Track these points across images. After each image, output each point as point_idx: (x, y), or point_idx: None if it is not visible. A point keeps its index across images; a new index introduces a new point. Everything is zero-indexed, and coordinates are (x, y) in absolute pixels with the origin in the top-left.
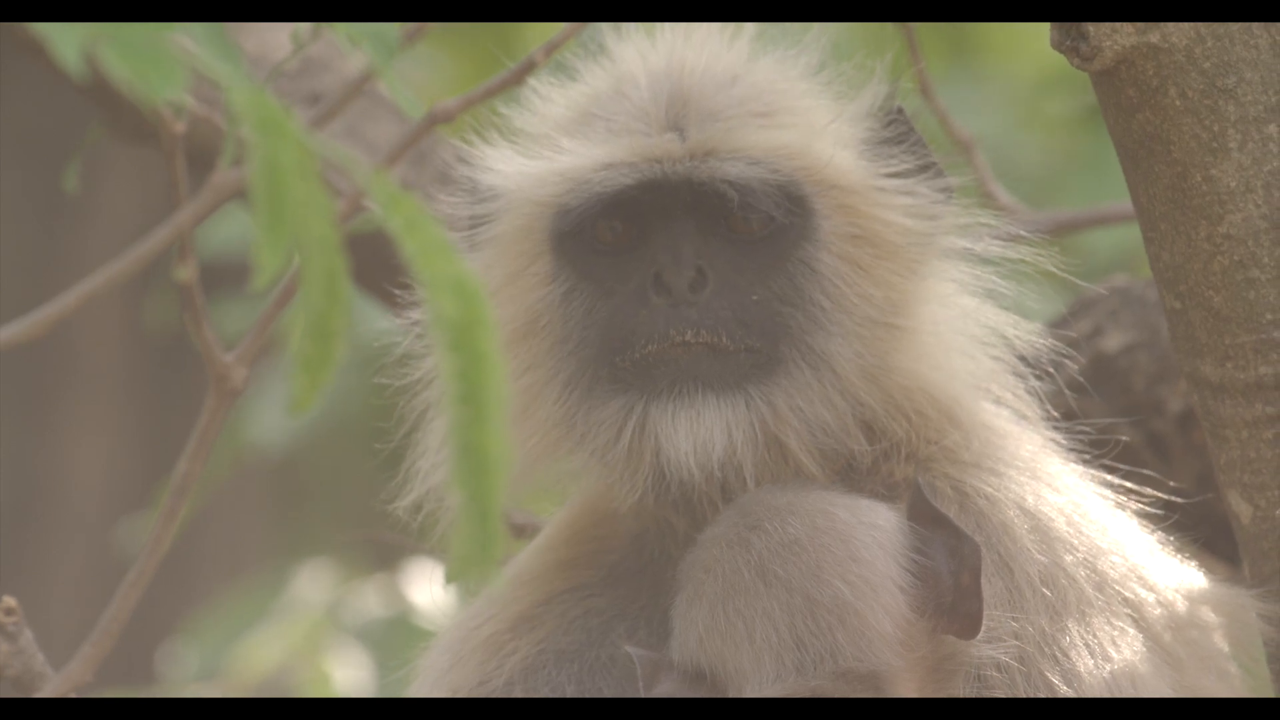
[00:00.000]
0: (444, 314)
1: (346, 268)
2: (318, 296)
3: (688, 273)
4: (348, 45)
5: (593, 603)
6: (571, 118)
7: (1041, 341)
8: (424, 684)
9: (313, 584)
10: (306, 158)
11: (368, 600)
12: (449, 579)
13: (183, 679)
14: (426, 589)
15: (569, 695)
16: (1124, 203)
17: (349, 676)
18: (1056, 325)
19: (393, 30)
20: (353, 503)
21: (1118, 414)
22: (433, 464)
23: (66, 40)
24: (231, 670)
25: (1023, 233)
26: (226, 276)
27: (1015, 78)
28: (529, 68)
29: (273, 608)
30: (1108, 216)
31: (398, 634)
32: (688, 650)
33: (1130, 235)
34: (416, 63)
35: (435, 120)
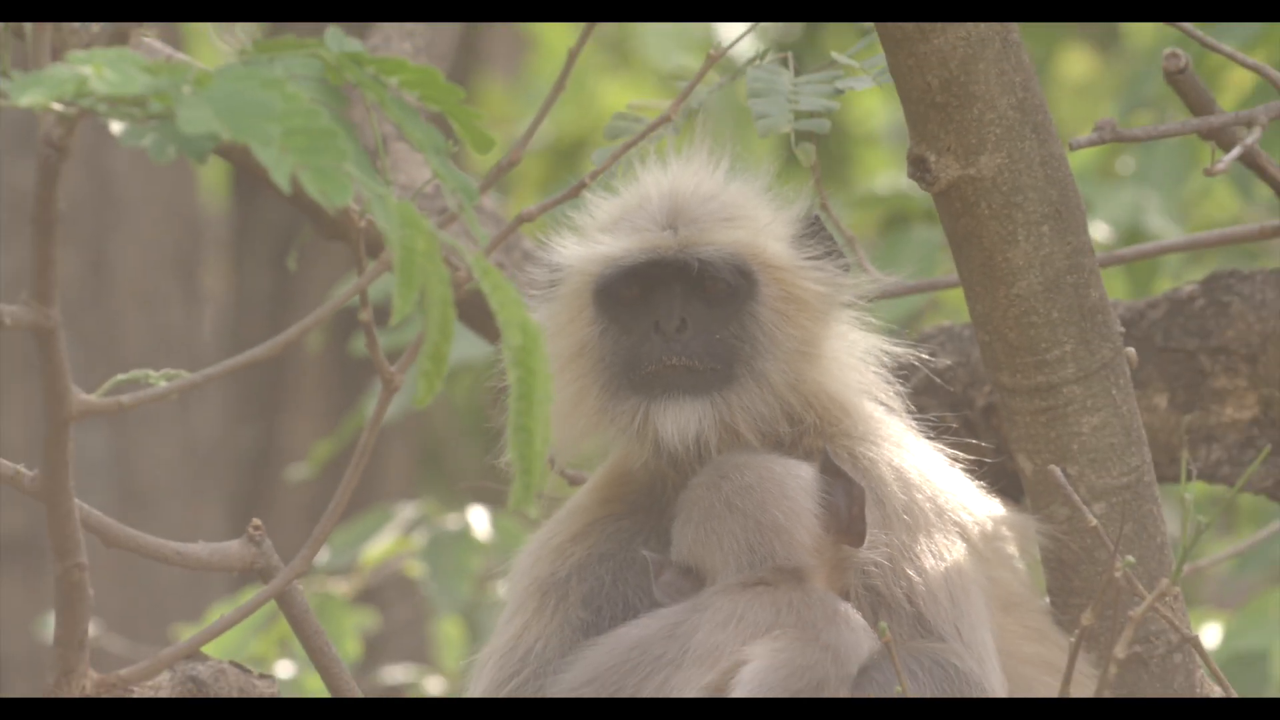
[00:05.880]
0: (512, 343)
1: (454, 317)
2: (435, 333)
3: (675, 321)
4: (448, 196)
5: (621, 524)
6: (608, 220)
7: (904, 357)
8: (516, 574)
9: (412, 511)
10: (433, 246)
11: (447, 522)
12: (510, 508)
13: (322, 569)
14: (484, 518)
15: (608, 584)
16: (942, 276)
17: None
18: (906, 352)
19: (472, 183)
20: (468, 460)
21: (946, 408)
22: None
23: (280, 170)
24: (357, 564)
25: (893, 293)
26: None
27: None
28: (582, 187)
29: (392, 523)
30: (936, 284)
31: (461, 543)
32: (681, 554)
33: (915, 299)
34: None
35: (520, 221)
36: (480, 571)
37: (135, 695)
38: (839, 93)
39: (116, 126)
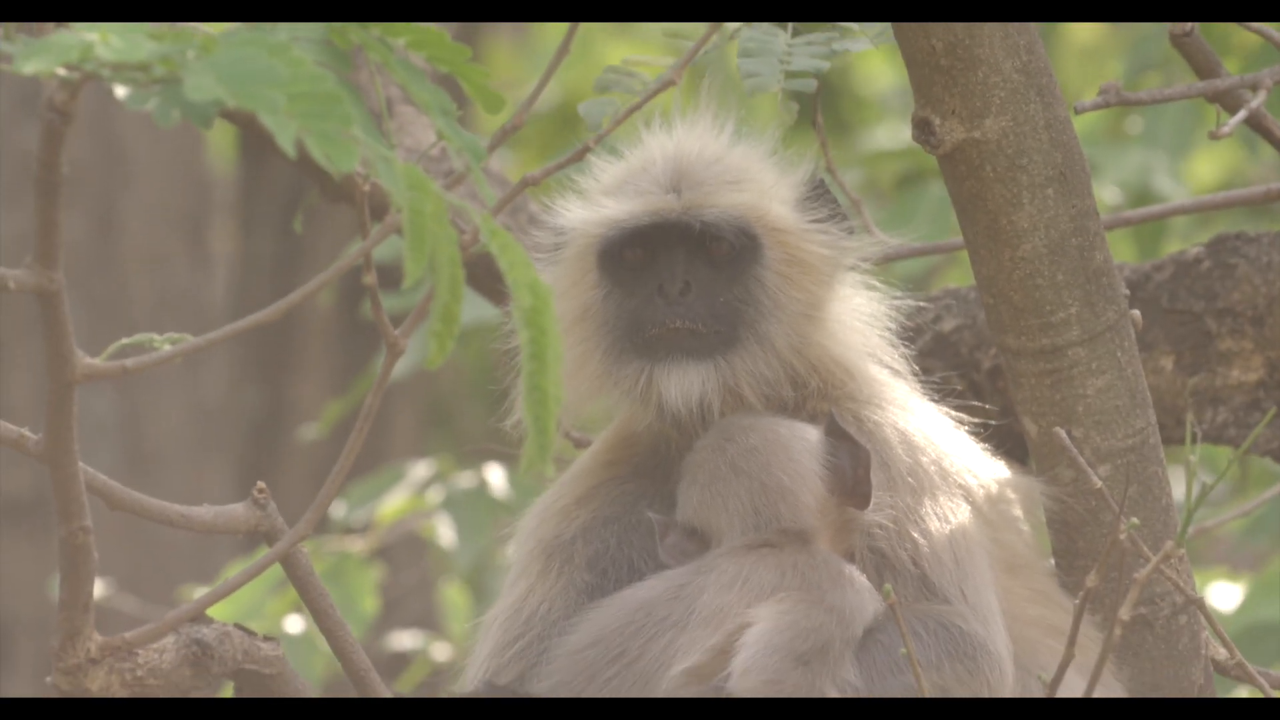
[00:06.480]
0: (523, 304)
1: (463, 277)
2: (444, 294)
3: (679, 284)
4: (455, 157)
5: (626, 487)
6: (612, 183)
7: (908, 321)
8: (521, 536)
9: (426, 469)
10: (440, 208)
11: (462, 480)
12: (523, 470)
13: (339, 524)
14: (500, 475)
15: (613, 546)
16: (949, 240)
17: (446, 533)
18: (912, 315)
19: (480, 143)
20: (473, 422)
21: (951, 370)
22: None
23: (285, 135)
24: (374, 519)
25: (897, 256)
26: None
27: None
28: (586, 150)
29: (405, 481)
30: (942, 248)
31: (478, 500)
32: (687, 516)
33: (924, 263)
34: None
35: (525, 184)
36: (494, 529)
37: (140, 658)
38: (835, 54)
39: (121, 91)
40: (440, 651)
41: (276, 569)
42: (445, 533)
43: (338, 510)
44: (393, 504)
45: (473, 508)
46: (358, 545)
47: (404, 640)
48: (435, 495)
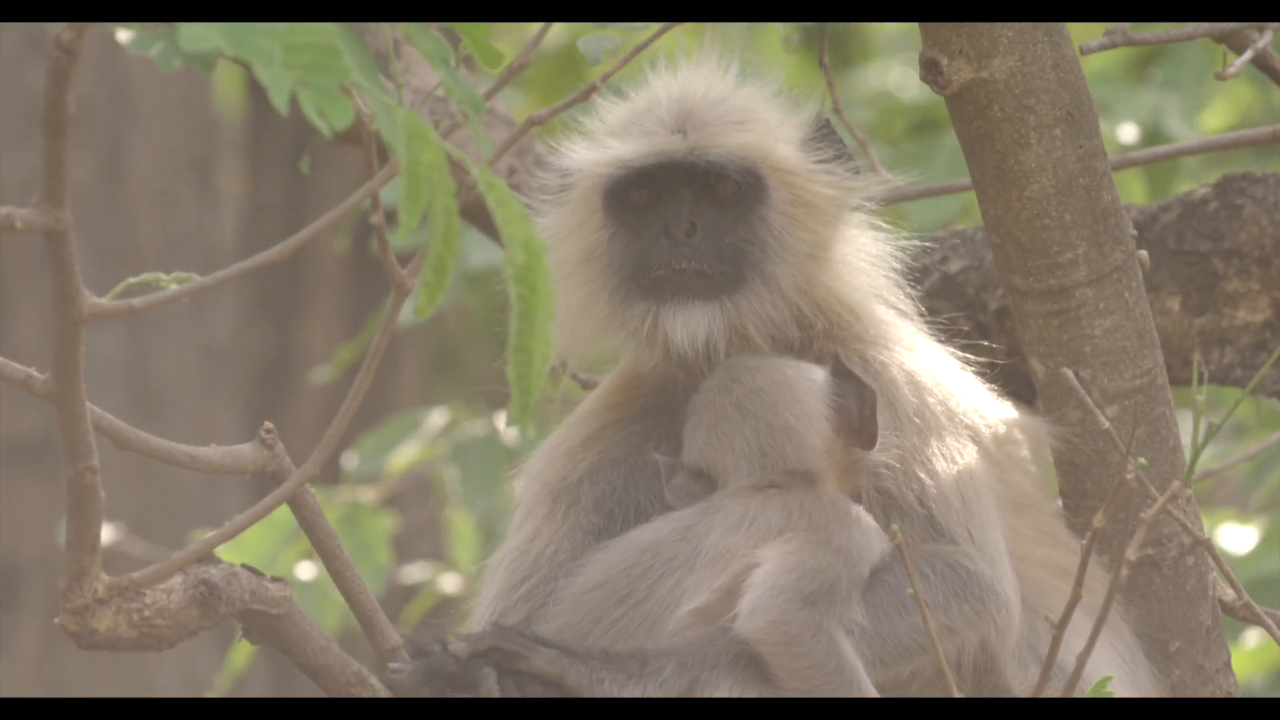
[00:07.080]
0: (516, 260)
1: (458, 228)
2: (438, 243)
3: (684, 225)
4: (454, 107)
5: (632, 428)
6: (618, 124)
7: (914, 262)
8: (527, 478)
9: (440, 417)
10: (439, 157)
11: (474, 428)
12: (508, 424)
13: (352, 475)
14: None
15: (620, 488)
16: (957, 181)
17: (452, 477)
18: (918, 256)
19: (477, 95)
20: (481, 365)
21: (958, 311)
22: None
23: (279, 89)
24: (385, 470)
25: (903, 197)
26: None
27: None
28: (592, 90)
29: (418, 430)
30: (950, 188)
31: (490, 448)
32: (693, 457)
33: (946, 205)
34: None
35: (531, 125)
36: (505, 474)
37: (147, 599)
38: None
39: (124, 35)
40: (449, 583)
41: (287, 519)
42: (455, 484)
43: (350, 463)
44: (405, 456)
45: (484, 455)
46: (369, 494)
47: (412, 573)
48: (446, 442)
